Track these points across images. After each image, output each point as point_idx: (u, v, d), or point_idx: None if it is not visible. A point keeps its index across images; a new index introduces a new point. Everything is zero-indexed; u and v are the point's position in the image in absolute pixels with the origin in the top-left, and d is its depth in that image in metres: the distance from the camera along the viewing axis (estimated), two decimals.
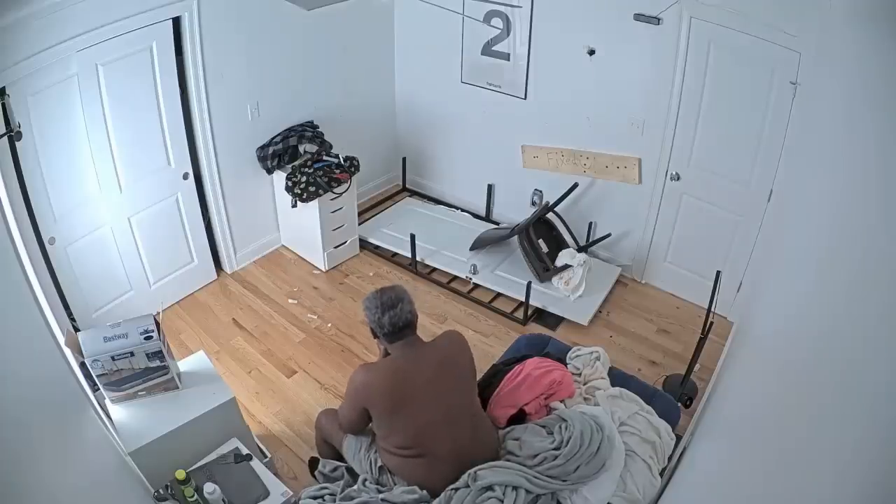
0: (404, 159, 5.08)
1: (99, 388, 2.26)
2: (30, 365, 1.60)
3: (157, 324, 2.27)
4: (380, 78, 4.75)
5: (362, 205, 4.77)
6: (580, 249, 4.06)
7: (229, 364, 3.48)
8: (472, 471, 2.12)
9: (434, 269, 4.21)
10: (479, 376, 2.56)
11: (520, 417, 2.44)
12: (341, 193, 4.05)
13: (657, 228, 3.92)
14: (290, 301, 3.99)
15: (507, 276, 4.02)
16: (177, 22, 3.26)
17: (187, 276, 3.94)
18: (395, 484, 2.23)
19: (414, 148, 5.02)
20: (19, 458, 1.25)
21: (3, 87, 2.59)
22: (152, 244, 3.62)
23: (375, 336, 2.22)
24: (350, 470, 2.39)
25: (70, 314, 3.22)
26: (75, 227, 3.18)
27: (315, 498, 2.27)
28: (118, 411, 2.32)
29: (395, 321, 2.11)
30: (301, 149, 4.08)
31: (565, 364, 2.73)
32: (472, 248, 4.19)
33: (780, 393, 1.34)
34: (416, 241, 4.14)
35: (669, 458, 2.39)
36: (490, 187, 4.68)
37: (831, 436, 0.90)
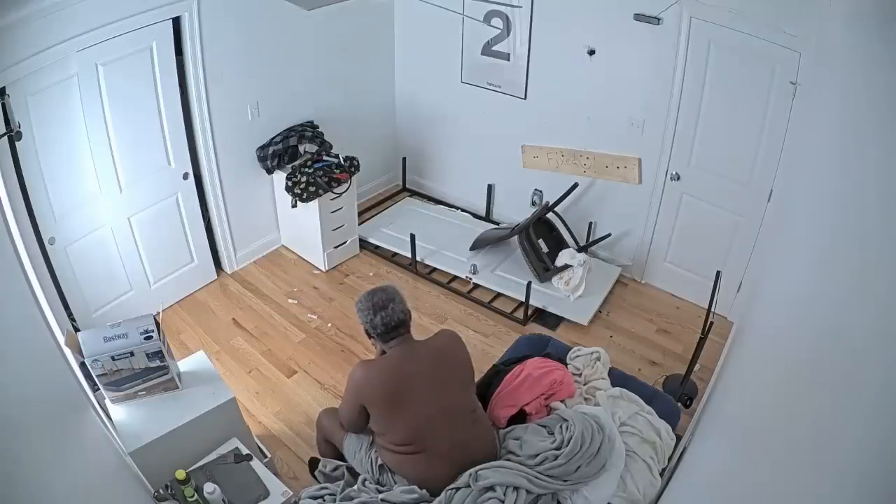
0: (404, 159, 5.08)
1: (99, 388, 2.26)
2: (30, 365, 1.59)
3: (157, 324, 2.27)
4: (380, 78, 4.75)
5: (362, 205, 4.77)
6: (580, 249, 4.06)
7: (229, 364, 3.48)
8: (472, 471, 2.12)
9: (434, 269, 4.21)
10: (479, 376, 2.56)
11: (520, 417, 2.44)
12: (341, 193, 4.05)
13: (657, 228, 3.92)
14: (290, 301, 3.99)
15: (507, 276, 4.02)
16: (177, 22, 3.26)
17: (187, 276, 3.94)
18: (395, 483, 2.24)
19: (414, 148, 5.02)
20: (19, 458, 1.24)
21: (3, 87, 2.59)
22: (152, 244, 3.62)
23: (370, 337, 2.23)
24: (351, 469, 2.39)
25: (70, 314, 3.22)
26: (75, 227, 3.18)
27: (315, 498, 2.27)
28: (118, 411, 2.32)
29: (387, 321, 2.13)
30: (301, 149, 4.08)
31: (565, 364, 2.73)
32: (472, 248, 4.19)
33: (780, 393, 1.34)
34: (416, 241, 4.14)
35: (669, 459, 2.39)
36: (490, 187, 4.68)
37: (831, 435, 0.90)
